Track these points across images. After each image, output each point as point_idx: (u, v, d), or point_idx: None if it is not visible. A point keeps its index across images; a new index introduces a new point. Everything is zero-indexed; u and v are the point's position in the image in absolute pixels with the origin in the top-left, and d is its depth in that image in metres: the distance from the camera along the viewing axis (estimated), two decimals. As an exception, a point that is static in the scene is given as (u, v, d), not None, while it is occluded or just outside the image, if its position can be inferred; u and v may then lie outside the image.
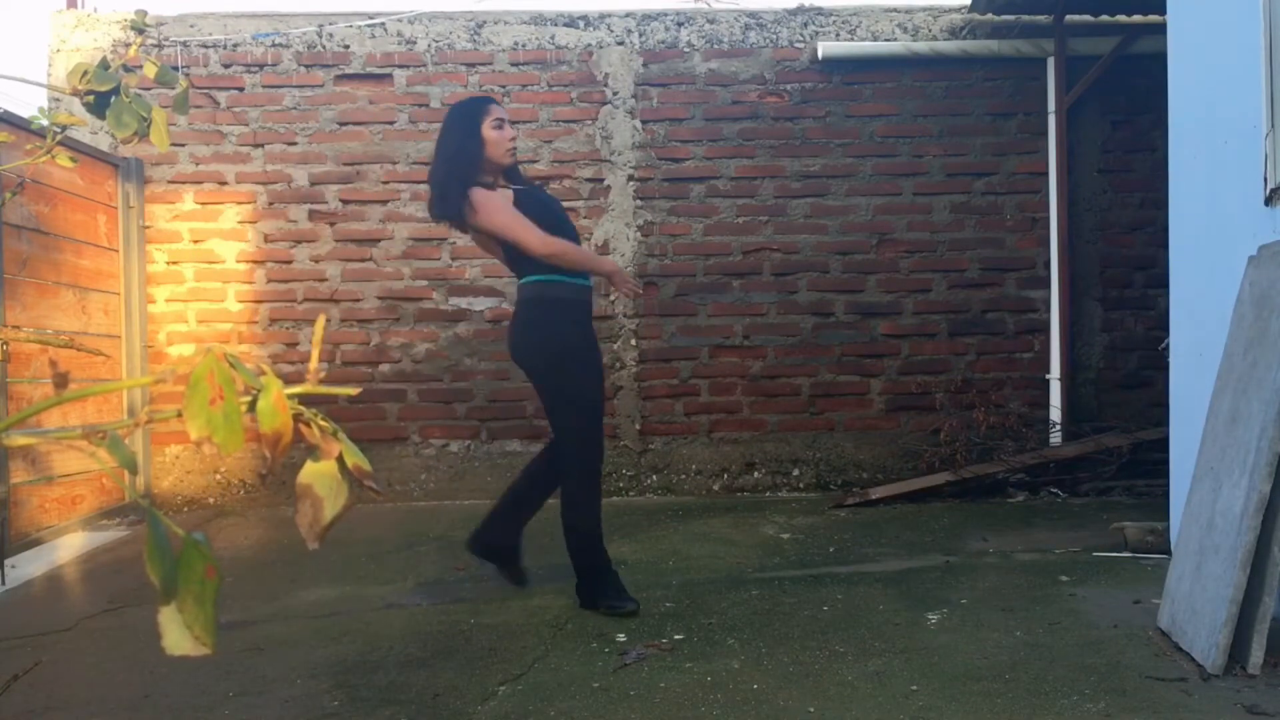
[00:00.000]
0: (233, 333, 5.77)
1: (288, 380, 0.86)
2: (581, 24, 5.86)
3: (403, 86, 5.80)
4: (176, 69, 5.05)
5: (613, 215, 5.80)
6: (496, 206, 3.41)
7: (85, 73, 1.56)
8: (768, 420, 5.81)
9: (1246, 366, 2.87)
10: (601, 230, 5.80)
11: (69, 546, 4.65)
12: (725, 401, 5.82)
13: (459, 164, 3.43)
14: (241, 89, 5.78)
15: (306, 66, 5.79)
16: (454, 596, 3.67)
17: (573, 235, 3.56)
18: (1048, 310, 5.79)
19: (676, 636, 3.12)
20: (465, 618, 3.38)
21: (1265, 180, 3.06)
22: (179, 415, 0.82)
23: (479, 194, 3.40)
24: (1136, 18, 5.68)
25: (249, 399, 0.83)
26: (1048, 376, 5.77)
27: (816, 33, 5.85)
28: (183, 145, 5.74)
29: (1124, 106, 5.80)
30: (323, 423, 0.87)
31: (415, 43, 5.83)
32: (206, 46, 5.78)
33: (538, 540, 4.59)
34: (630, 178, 5.80)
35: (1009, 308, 5.84)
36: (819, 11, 5.87)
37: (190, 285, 5.76)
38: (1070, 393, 5.72)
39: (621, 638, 3.12)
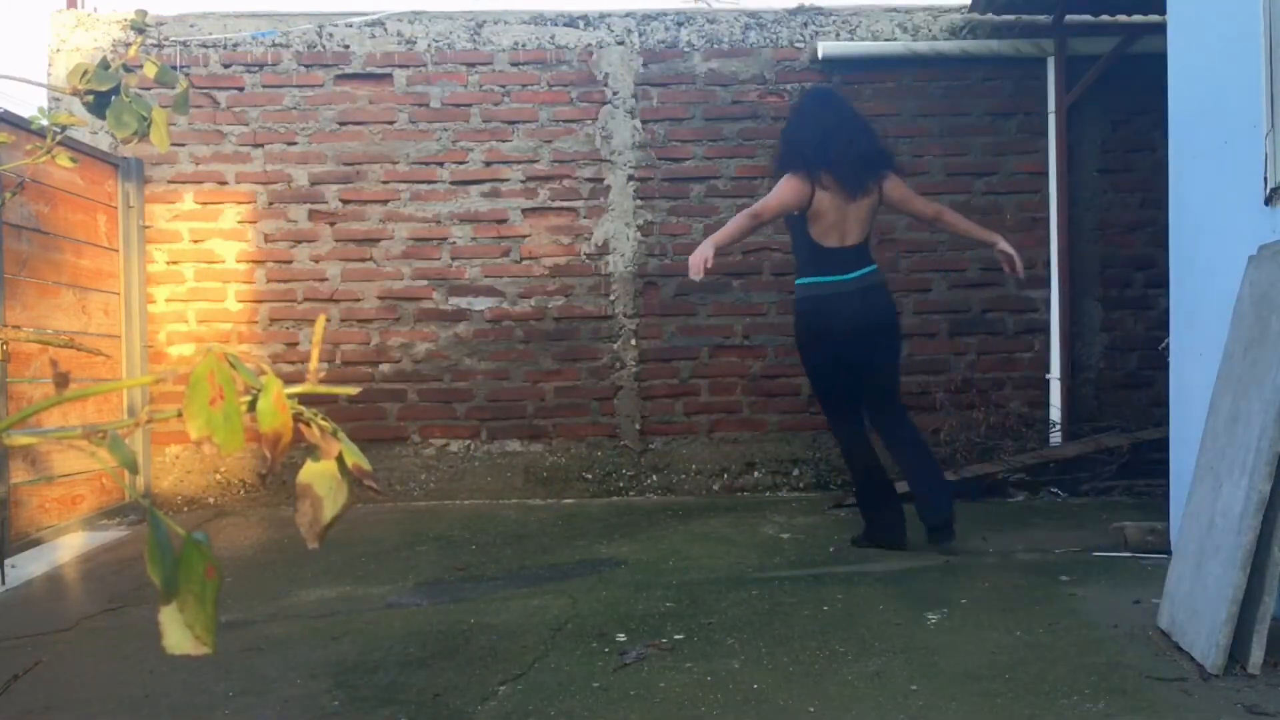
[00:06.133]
0: (233, 333, 5.77)
1: (288, 380, 0.86)
2: (581, 24, 5.86)
3: (403, 86, 5.80)
4: (176, 69, 5.05)
5: (613, 215, 5.80)
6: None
7: (85, 73, 1.56)
8: (768, 420, 5.81)
9: (1246, 366, 2.87)
10: (601, 230, 5.80)
11: (69, 546, 4.65)
12: (725, 401, 5.82)
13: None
14: (241, 89, 5.78)
15: (306, 66, 5.79)
16: (454, 596, 3.67)
17: None
18: (1048, 310, 5.78)
19: (676, 636, 3.12)
20: (465, 618, 3.38)
21: (1265, 180, 3.06)
22: (179, 415, 0.82)
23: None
24: (1136, 18, 5.68)
25: (249, 399, 0.83)
26: (1048, 376, 5.77)
27: (816, 33, 5.85)
28: (183, 145, 5.74)
29: (1124, 106, 5.80)
30: (323, 422, 0.87)
31: (415, 43, 5.83)
32: (206, 46, 5.78)
33: (536, 540, 4.60)
34: (630, 177, 5.80)
35: (1009, 308, 5.84)
36: (819, 11, 5.87)
37: (190, 285, 5.76)
38: (1070, 393, 5.72)
39: (621, 638, 3.12)
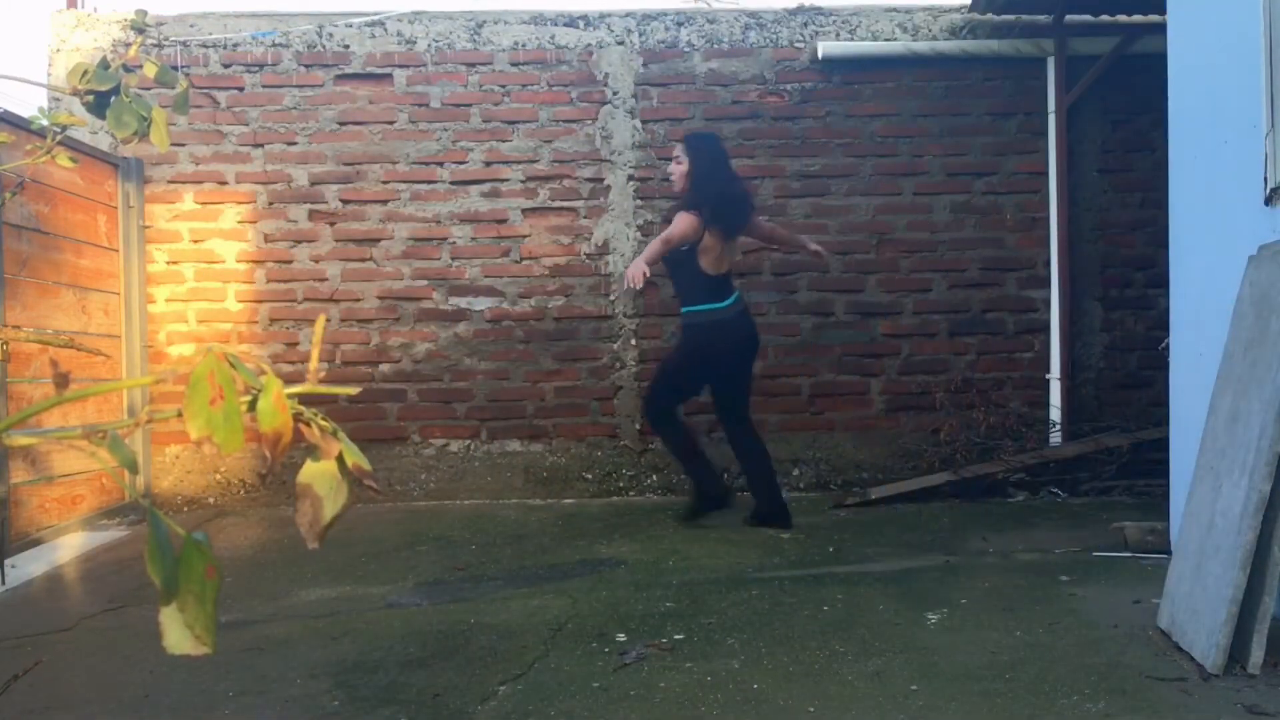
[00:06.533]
0: (233, 333, 5.77)
1: (288, 380, 0.86)
2: (581, 24, 5.86)
3: (403, 86, 5.80)
4: (176, 69, 5.05)
5: (613, 215, 5.80)
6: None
7: (85, 73, 1.56)
8: (768, 420, 5.80)
9: (1246, 366, 2.87)
10: (601, 230, 5.80)
11: (69, 546, 4.65)
12: (725, 401, 5.81)
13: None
14: (241, 89, 5.78)
15: (306, 66, 5.79)
16: (454, 596, 3.67)
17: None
18: (1048, 310, 5.78)
19: (676, 636, 3.12)
20: (465, 618, 3.38)
21: (1265, 180, 3.06)
22: (179, 415, 0.82)
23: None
24: (1136, 18, 5.68)
25: (249, 399, 0.83)
26: (1048, 376, 5.77)
27: (816, 33, 5.85)
28: (183, 145, 5.74)
29: (1124, 106, 5.80)
30: (323, 422, 0.87)
31: (415, 43, 5.83)
32: (206, 46, 5.78)
33: (536, 540, 4.60)
34: (630, 177, 5.80)
35: (1009, 308, 5.84)
36: (819, 11, 5.87)
37: (190, 285, 5.76)
38: (1070, 393, 5.72)
39: (621, 638, 3.12)
